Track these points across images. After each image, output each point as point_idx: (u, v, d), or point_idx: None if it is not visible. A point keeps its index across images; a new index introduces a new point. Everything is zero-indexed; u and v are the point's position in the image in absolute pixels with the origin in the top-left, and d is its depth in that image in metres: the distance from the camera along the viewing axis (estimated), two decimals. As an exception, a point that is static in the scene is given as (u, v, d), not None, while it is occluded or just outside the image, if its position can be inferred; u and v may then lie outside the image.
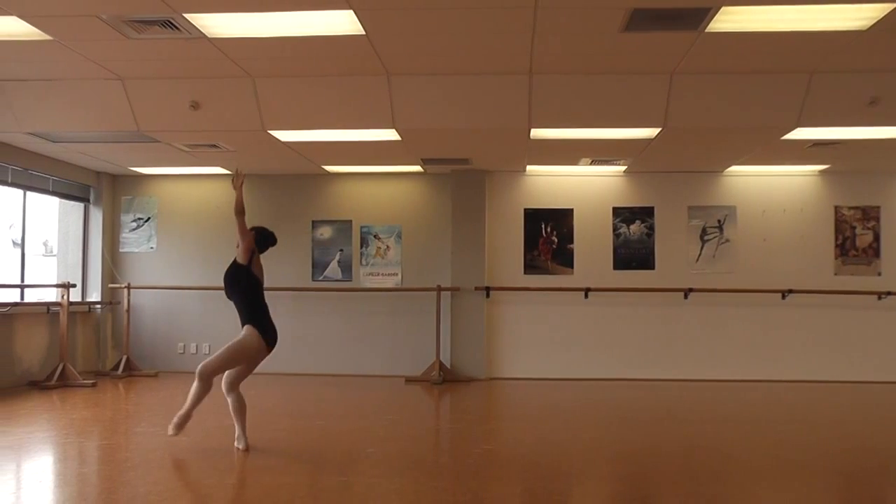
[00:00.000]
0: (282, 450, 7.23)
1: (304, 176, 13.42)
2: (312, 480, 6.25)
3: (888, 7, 6.98)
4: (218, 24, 7.47)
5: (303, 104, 9.67)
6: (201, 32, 7.62)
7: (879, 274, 13.03)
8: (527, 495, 6.07)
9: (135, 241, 13.63)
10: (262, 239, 8.05)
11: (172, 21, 7.31)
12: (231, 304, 7.73)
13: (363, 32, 7.65)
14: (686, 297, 12.88)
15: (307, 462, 6.86)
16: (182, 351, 13.41)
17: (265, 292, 7.90)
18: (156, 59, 8.58)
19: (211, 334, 13.33)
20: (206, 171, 13.28)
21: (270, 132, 10.22)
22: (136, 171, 13.28)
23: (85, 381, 11.55)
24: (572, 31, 7.69)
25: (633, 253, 13.09)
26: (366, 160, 12.31)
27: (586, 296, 12.91)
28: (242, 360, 7.58)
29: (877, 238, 13.08)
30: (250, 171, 13.10)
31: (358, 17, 7.23)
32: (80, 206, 13.37)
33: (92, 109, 9.78)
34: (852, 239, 13.09)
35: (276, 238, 8.23)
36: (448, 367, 12.64)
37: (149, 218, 13.63)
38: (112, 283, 13.41)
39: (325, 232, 13.40)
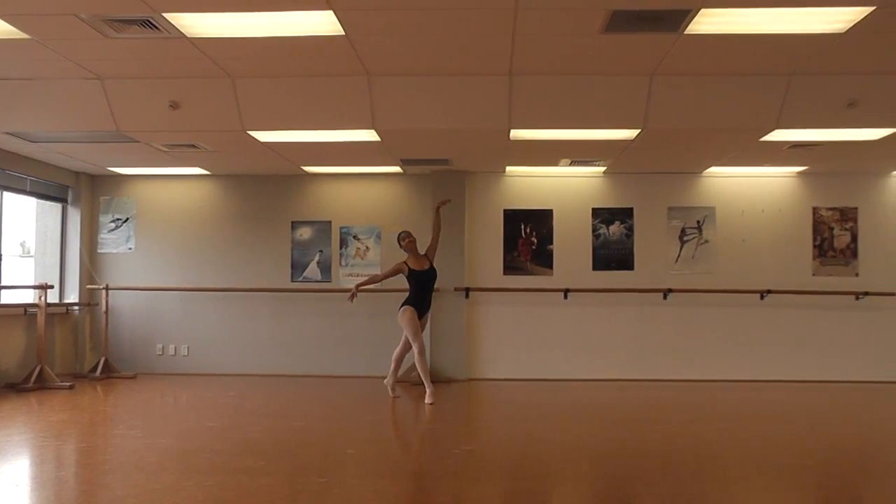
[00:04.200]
0: (261, 451, 7.19)
1: (283, 177, 13.39)
2: (292, 482, 6.21)
3: (865, 10, 7.03)
4: (197, 24, 7.44)
5: (282, 105, 9.65)
6: (181, 32, 7.58)
7: (857, 274, 13.12)
8: (507, 496, 6.06)
9: (113, 242, 13.56)
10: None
11: (152, 20, 7.27)
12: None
13: (343, 33, 7.63)
14: (665, 297, 12.92)
15: (287, 463, 6.82)
16: (161, 352, 13.35)
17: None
18: (135, 59, 8.54)
19: (190, 335, 13.29)
20: (185, 172, 13.23)
21: (250, 132, 10.18)
22: (114, 172, 13.21)
23: (63, 384, 11.48)
24: (552, 32, 7.70)
25: (613, 253, 13.12)
26: (345, 161, 12.29)
27: (566, 296, 12.93)
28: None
29: (854, 239, 13.17)
30: (229, 172, 13.10)
31: (338, 17, 7.21)
32: (58, 206, 13.29)
33: (70, 109, 9.72)
34: (830, 240, 13.16)
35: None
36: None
37: (127, 218, 13.56)
38: (90, 284, 13.35)
39: (305, 233, 13.37)
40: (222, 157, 11.74)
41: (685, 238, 13.07)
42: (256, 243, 13.40)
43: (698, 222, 13.08)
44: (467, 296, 12.92)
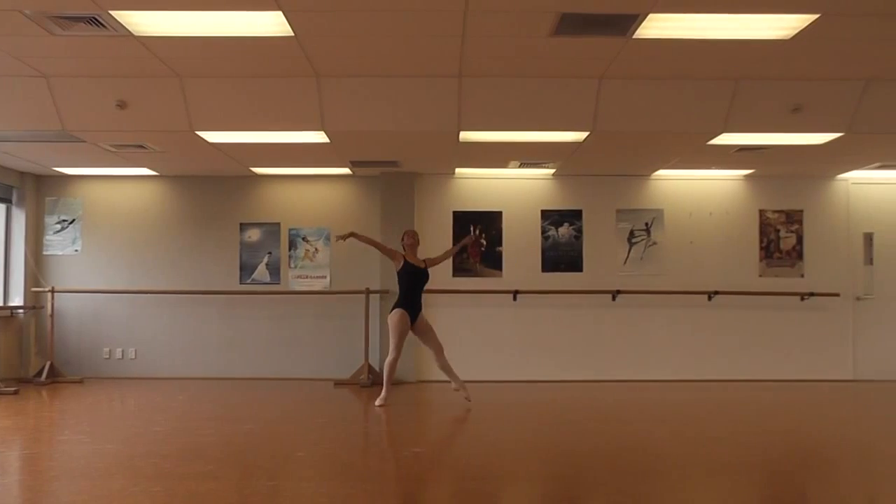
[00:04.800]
0: (209, 455, 7.14)
1: (231, 178, 13.30)
2: (241, 486, 6.18)
3: (810, 18, 7.14)
4: (145, 22, 7.35)
5: (231, 105, 9.58)
6: (128, 30, 7.49)
7: (802, 275, 13.31)
8: (457, 497, 6.07)
9: (59, 244, 13.38)
10: None
11: (98, 18, 7.18)
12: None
13: (292, 34, 7.59)
14: (614, 298, 13.00)
15: (235, 467, 6.78)
16: (108, 356, 13.19)
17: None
18: (81, 57, 8.43)
19: (138, 339, 13.15)
20: (132, 173, 13.06)
21: (198, 133, 10.10)
22: (60, 172, 13.04)
23: (7, 389, 11.28)
24: (502, 35, 7.72)
25: (562, 255, 13.18)
26: (294, 162, 12.23)
27: (515, 298, 12.96)
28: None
29: (800, 241, 13.35)
30: (177, 173, 12.99)
31: (287, 18, 7.17)
32: (1, 207, 13.08)
33: (14, 107, 9.57)
34: (776, 242, 13.33)
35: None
36: (377, 369, 12.59)
37: (74, 220, 13.39)
38: (35, 286, 13.15)
39: (253, 234, 13.29)
40: (170, 157, 11.63)
41: (634, 240, 13.16)
42: (205, 245, 13.29)
43: (647, 224, 13.18)
44: (417, 297, 12.90)
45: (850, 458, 7.65)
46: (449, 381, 10.57)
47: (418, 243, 10.60)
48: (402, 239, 10.61)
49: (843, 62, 8.53)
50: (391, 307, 10.32)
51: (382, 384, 10.32)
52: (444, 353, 10.42)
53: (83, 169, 12.83)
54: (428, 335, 10.43)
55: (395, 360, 10.22)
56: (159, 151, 11.23)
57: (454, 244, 12.94)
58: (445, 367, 10.45)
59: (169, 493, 5.79)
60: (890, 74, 9.00)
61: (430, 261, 10.62)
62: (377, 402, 10.17)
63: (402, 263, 10.35)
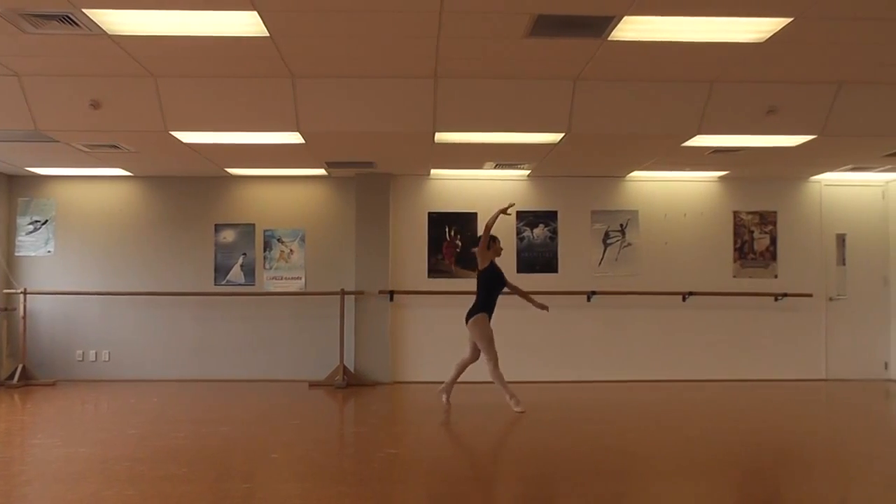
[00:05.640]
0: (184, 458, 7.11)
1: (206, 178, 13.23)
2: (215, 488, 6.16)
3: (783, 21, 7.18)
4: (119, 21, 7.28)
5: (206, 105, 9.52)
6: (101, 29, 7.42)
7: (776, 276, 13.39)
8: (432, 498, 6.08)
9: (32, 245, 13.27)
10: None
11: (71, 16, 7.11)
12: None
13: (267, 34, 7.55)
14: (589, 299, 13.03)
15: (210, 469, 6.76)
16: (81, 358, 13.09)
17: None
18: (54, 56, 8.34)
19: (111, 341, 13.05)
20: (106, 173, 12.97)
21: (172, 133, 10.03)
22: (33, 172, 12.93)
23: (-22, 390, 11.23)
24: (477, 36, 7.71)
25: (537, 256, 13.20)
26: (269, 163, 12.19)
27: (490, 299, 12.95)
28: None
29: (773, 242, 13.43)
30: (151, 173, 12.92)
31: (262, 18, 7.13)
32: (-27, 207, 13.00)
33: (-14, 107, 9.50)
34: (750, 243, 13.41)
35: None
36: (352, 371, 12.60)
37: (46, 220, 13.28)
38: (7, 288, 13.04)
39: (228, 236, 13.23)
40: (145, 157, 11.56)
41: (608, 241, 13.20)
42: (179, 246, 13.21)
43: (621, 226, 13.22)
44: (392, 299, 12.89)
45: (822, 457, 7.72)
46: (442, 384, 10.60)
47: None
48: (496, 242, 10.37)
49: (817, 65, 8.58)
50: (470, 311, 10.25)
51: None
52: (471, 364, 10.37)
53: (56, 169, 12.74)
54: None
55: (496, 366, 10.05)
56: (133, 152, 11.16)
57: (429, 245, 12.96)
58: (459, 371, 10.50)
59: (142, 497, 5.77)
60: (862, 78, 9.05)
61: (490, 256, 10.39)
62: (516, 410, 9.90)
63: (489, 264, 10.26)
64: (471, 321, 10.14)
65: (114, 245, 13.18)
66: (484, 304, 10.20)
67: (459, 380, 10.46)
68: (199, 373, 12.99)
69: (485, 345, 10.05)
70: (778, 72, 8.75)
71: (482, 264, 10.23)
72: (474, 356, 10.31)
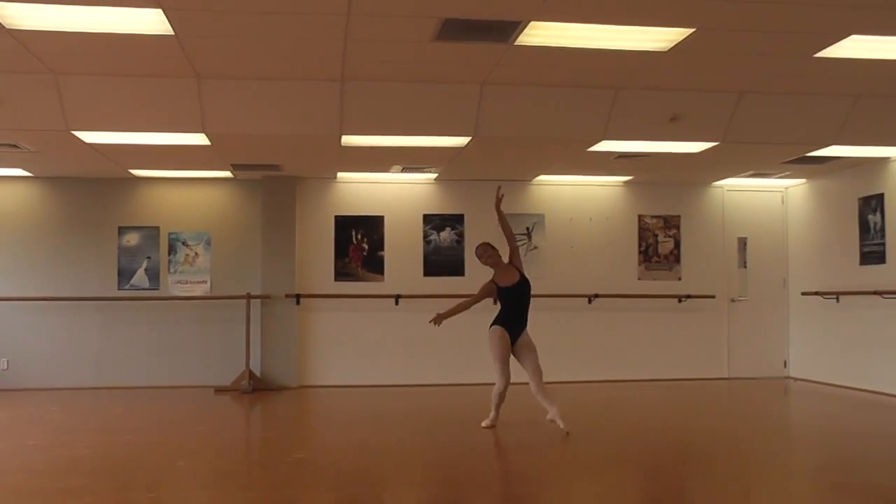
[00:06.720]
0: (86, 469, 6.94)
1: (110, 180, 12.93)
2: (118, 499, 6.03)
3: (686, 31, 7.32)
4: (18, 15, 7.01)
5: (109, 104, 9.31)
6: (-1, 23, 7.22)
7: (680, 278, 13.66)
8: (341, 502, 6.04)
9: (-75, 248, 12.84)
10: None
11: (-35, 9, 6.90)
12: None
13: (172, 33, 7.41)
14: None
15: (113, 480, 6.62)
16: (-20, 366, 12.71)
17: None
18: (-52, 50, 8.10)
19: (9, 348, 12.56)
20: (4, 173, 12.56)
21: (74, 133, 9.78)
22: (-73, 173, 12.55)
23: None
24: (385, 39, 7.69)
25: (444, 259, 13.22)
26: (174, 164, 11.99)
27: (397, 302, 12.94)
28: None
29: (677, 245, 13.68)
30: (52, 174, 12.60)
31: (167, 16, 6.98)
32: None
33: None
34: (655, 246, 13.62)
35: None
36: (259, 375, 12.46)
37: (-59, 223, 12.87)
38: None
39: (132, 239, 12.96)
40: (45, 157, 11.27)
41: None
42: (81, 250, 12.87)
43: (528, 229, 13.30)
44: (298, 302, 12.78)
45: (724, 453, 7.87)
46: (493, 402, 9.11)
47: (497, 251, 9.25)
48: (481, 260, 9.33)
49: (719, 75, 8.76)
50: (490, 324, 9.08)
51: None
52: (542, 377, 8.80)
53: (-49, 170, 12.36)
54: (525, 355, 8.89)
55: (501, 390, 8.84)
56: (33, 151, 10.87)
57: (336, 249, 12.90)
58: (540, 393, 8.75)
59: (40, 511, 5.62)
60: (762, 87, 9.28)
61: (514, 257, 9.22)
62: (483, 424, 8.96)
63: (496, 292, 9.10)
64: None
65: (12, 248, 12.77)
66: (497, 316, 9.09)
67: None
68: (103, 380, 12.66)
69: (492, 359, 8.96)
70: (681, 80, 8.91)
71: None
72: (532, 371, 8.84)
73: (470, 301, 9.18)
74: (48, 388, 12.42)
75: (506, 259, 9.21)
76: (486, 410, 8.93)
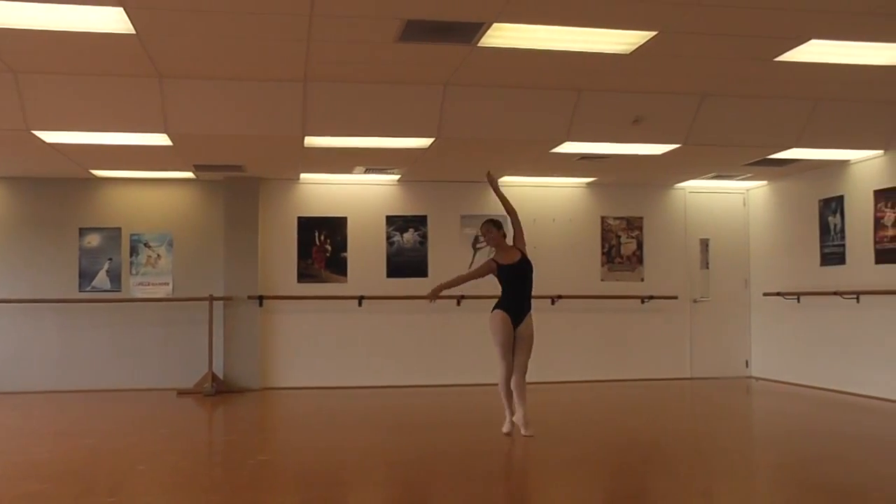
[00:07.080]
0: (44, 473, 6.84)
1: (70, 180, 12.77)
2: (78, 504, 5.97)
3: (648, 35, 7.38)
4: (-25, 11, 6.98)
5: (69, 104, 9.22)
6: (-46, 20, 7.13)
7: (642, 279, 13.72)
8: (304, 506, 6.04)
9: None
10: None
11: (-81, 5, 6.79)
12: None
13: (133, 31, 7.35)
14: (459, 303, 13.05)
15: (73, 485, 6.52)
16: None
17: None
18: None
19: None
20: (-39, 173, 12.45)
21: (34, 132, 9.67)
22: None
23: None
24: (348, 40, 7.68)
25: (407, 261, 13.20)
26: (136, 165, 11.88)
27: (360, 304, 12.90)
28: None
29: (640, 246, 13.74)
30: (11, 174, 12.45)
31: (128, 15, 6.92)
32: None
33: None
34: (618, 247, 13.68)
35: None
36: (221, 378, 12.38)
37: None
38: None
39: (93, 240, 12.83)
40: (4, 157, 11.14)
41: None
42: (41, 251, 12.69)
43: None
44: (261, 304, 12.71)
45: (688, 453, 7.91)
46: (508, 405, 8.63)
47: (504, 234, 8.80)
48: (485, 241, 8.98)
49: (681, 77, 8.83)
50: (492, 308, 8.67)
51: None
52: (525, 376, 8.56)
53: None
54: (518, 349, 8.59)
55: (504, 376, 8.48)
56: (-9, 151, 10.77)
57: (299, 250, 12.85)
58: (517, 390, 8.49)
59: (-3, 517, 5.55)
60: (723, 90, 9.36)
61: (518, 238, 8.80)
62: (504, 430, 8.45)
63: (496, 269, 8.62)
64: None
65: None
66: (499, 300, 8.67)
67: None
68: (63, 383, 12.49)
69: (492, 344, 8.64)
70: (644, 82, 8.97)
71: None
72: (519, 363, 8.64)
73: (468, 276, 8.87)
74: (6, 392, 12.24)
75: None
76: (450, 412, 8.92)
